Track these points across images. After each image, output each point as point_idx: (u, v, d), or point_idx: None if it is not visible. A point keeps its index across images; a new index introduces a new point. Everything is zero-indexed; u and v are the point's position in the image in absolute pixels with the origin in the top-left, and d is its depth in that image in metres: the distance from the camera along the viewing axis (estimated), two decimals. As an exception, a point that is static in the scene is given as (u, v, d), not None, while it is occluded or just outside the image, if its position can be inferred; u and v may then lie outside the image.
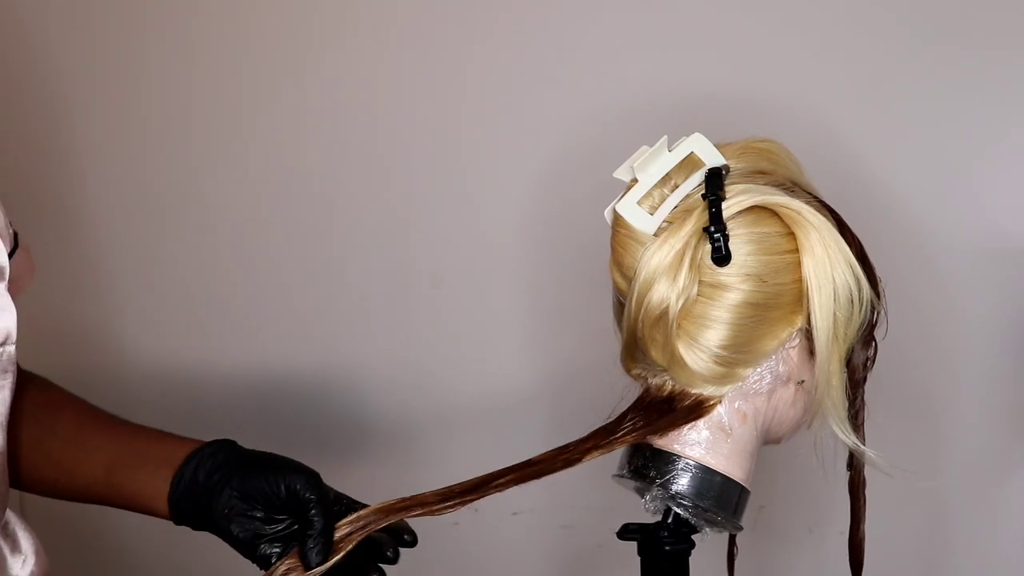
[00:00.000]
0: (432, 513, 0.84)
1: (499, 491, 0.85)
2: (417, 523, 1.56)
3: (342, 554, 0.83)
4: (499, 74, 1.43)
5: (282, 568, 0.82)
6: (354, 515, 0.84)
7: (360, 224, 1.48)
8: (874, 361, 0.88)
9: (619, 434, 0.85)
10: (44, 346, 1.57)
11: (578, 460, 0.85)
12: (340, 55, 1.46)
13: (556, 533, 1.50)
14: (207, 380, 1.53)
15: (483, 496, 0.85)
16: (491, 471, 0.86)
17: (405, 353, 1.50)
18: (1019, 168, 1.32)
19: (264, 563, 0.85)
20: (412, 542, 0.90)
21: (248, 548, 0.86)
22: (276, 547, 0.86)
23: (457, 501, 0.84)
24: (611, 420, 0.87)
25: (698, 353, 0.82)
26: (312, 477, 0.86)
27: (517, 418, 1.46)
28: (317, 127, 1.48)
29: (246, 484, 0.86)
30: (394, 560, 0.88)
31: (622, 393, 0.89)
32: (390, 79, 1.45)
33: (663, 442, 0.86)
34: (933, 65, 1.31)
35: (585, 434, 0.87)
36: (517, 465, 0.86)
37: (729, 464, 0.86)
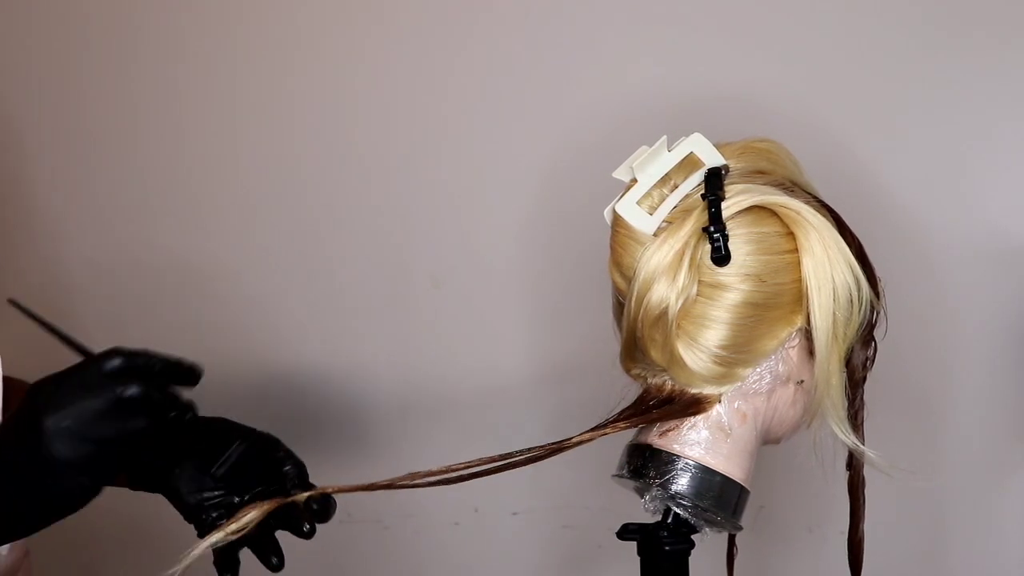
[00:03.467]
0: (415, 486, 0.84)
1: (483, 475, 0.85)
2: (417, 523, 1.56)
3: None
4: (499, 74, 1.43)
5: (220, 532, 0.81)
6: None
7: (360, 224, 1.48)
8: (873, 361, 0.88)
9: (611, 422, 0.86)
10: (37, 348, 1.58)
11: (568, 447, 0.85)
12: (339, 54, 1.46)
13: (556, 533, 1.50)
14: (206, 380, 1.53)
15: (470, 476, 0.85)
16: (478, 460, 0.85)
17: (405, 353, 1.50)
18: (1019, 168, 1.32)
19: (203, 526, 0.87)
20: (321, 512, 0.88)
21: (193, 511, 0.88)
22: (216, 513, 0.87)
23: (440, 479, 0.84)
24: (608, 419, 0.87)
25: (697, 353, 0.83)
26: (265, 440, 0.89)
27: (517, 418, 1.46)
28: (316, 126, 1.48)
29: (199, 449, 0.88)
30: (309, 535, 0.87)
31: (622, 393, 0.89)
32: (389, 79, 1.45)
33: (662, 442, 0.86)
34: (933, 65, 1.31)
35: (580, 433, 0.87)
36: (504, 456, 0.86)
37: (729, 464, 0.86)
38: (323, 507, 0.87)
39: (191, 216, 1.53)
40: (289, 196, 1.50)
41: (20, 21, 1.53)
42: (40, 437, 0.75)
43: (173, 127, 1.52)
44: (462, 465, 0.85)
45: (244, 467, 0.88)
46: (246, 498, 0.89)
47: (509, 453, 0.86)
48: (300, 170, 1.49)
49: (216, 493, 0.88)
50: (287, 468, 0.89)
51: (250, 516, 0.81)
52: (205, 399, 1.55)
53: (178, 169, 1.52)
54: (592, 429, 0.86)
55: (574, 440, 0.85)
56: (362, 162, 1.48)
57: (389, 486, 0.83)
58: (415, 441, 1.51)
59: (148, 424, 0.78)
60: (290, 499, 0.85)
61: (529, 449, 0.86)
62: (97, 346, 1.51)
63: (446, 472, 0.84)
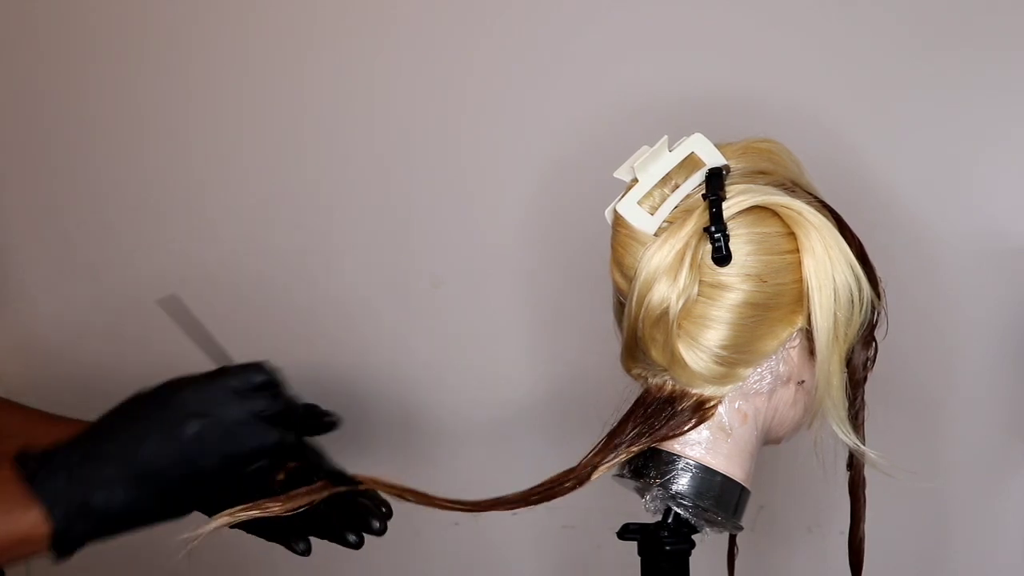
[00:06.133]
0: (431, 505, 0.85)
1: (505, 510, 0.86)
2: (417, 523, 1.56)
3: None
4: (499, 74, 1.43)
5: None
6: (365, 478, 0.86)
7: (360, 224, 1.48)
8: (874, 361, 0.88)
9: (623, 445, 0.86)
10: (40, 350, 1.57)
11: (587, 478, 0.86)
12: (339, 54, 1.46)
13: (556, 533, 1.50)
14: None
15: (490, 510, 0.86)
16: (502, 495, 0.86)
17: (405, 353, 1.50)
18: (1019, 168, 1.32)
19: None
20: (388, 513, 0.91)
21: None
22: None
23: (465, 508, 0.86)
24: (613, 427, 0.87)
25: (698, 353, 0.83)
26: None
27: (517, 418, 1.46)
28: (317, 127, 1.48)
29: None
30: (381, 531, 0.89)
31: (623, 393, 0.89)
32: (390, 78, 1.45)
33: (663, 442, 0.86)
34: (933, 65, 1.31)
35: (589, 450, 0.87)
36: (527, 491, 0.86)
37: (729, 464, 0.86)
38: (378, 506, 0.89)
39: (192, 216, 1.53)
40: (289, 197, 1.50)
41: (23, 23, 1.53)
42: (180, 443, 0.78)
43: (175, 127, 1.52)
44: (487, 502, 0.86)
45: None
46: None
47: (527, 491, 0.86)
48: (300, 171, 1.49)
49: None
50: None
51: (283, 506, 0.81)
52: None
53: (179, 169, 1.52)
54: (603, 456, 0.86)
55: (592, 477, 0.85)
56: (362, 163, 1.48)
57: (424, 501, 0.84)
58: (415, 441, 1.51)
59: (281, 439, 0.80)
60: (344, 488, 0.84)
61: (545, 483, 0.86)
62: (93, 341, 1.51)
63: (466, 507, 0.86)
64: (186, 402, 0.79)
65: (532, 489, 0.86)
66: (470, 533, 1.51)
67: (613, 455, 0.86)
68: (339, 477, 0.86)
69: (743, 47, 1.35)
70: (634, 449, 0.86)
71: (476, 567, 1.53)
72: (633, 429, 0.86)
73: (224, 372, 0.82)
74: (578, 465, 0.86)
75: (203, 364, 0.89)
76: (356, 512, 0.89)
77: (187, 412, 0.78)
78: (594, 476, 0.86)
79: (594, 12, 1.39)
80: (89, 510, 0.76)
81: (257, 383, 0.81)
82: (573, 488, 0.86)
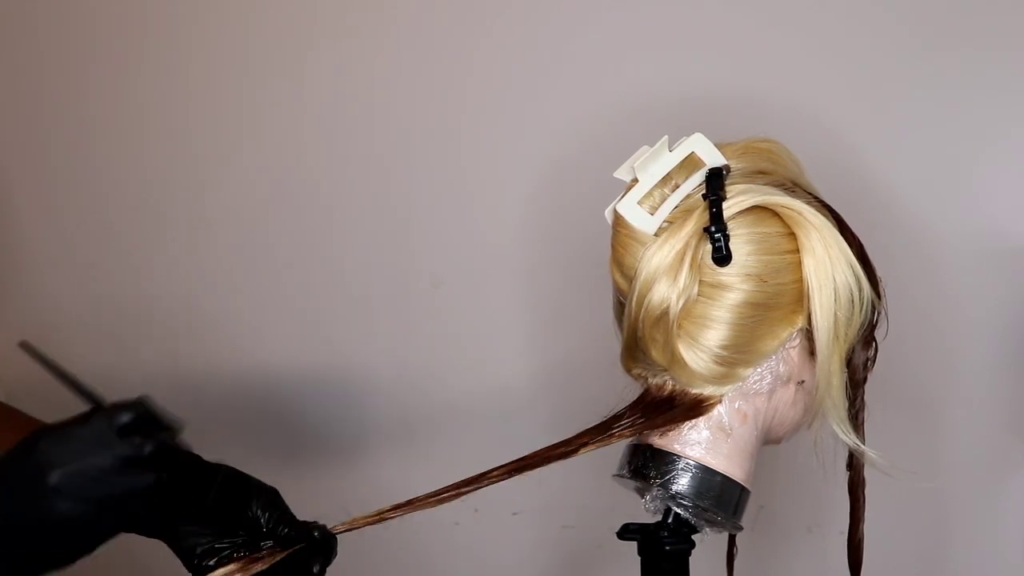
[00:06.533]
0: (425, 507, 0.84)
1: (492, 483, 0.85)
2: (417, 523, 1.56)
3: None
4: (499, 74, 1.43)
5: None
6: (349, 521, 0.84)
7: (360, 224, 1.49)
8: (874, 361, 0.88)
9: (617, 429, 0.86)
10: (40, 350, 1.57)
11: (574, 452, 0.85)
12: (340, 54, 1.46)
13: (556, 533, 1.50)
14: (207, 380, 1.53)
15: (476, 488, 0.85)
16: (486, 469, 0.85)
17: (405, 353, 1.50)
18: (1019, 168, 1.32)
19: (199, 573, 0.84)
20: (332, 551, 0.88)
21: (186, 556, 0.85)
22: (212, 560, 0.84)
23: (451, 494, 0.84)
24: (609, 416, 0.87)
25: (698, 353, 0.83)
26: (272, 494, 0.87)
27: (517, 418, 1.46)
28: (317, 127, 1.48)
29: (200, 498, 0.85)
30: (320, 574, 0.86)
31: (622, 393, 0.89)
32: (390, 78, 1.45)
33: (663, 442, 0.86)
34: (933, 65, 1.31)
35: (582, 430, 0.87)
36: (511, 462, 0.86)
37: (729, 464, 0.86)
38: (326, 546, 0.86)
39: (192, 216, 1.53)
40: (289, 197, 1.50)
41: (23, 23, 1.53)
42: (42, 494, 0.73)
43: (175, 127, 1.52)
44: (462, 482, 0.84)
45: (236, 512, 0.86)
46: (239, 542, 0.86)
47: (511, 463, 0.85)
48: (300, 172, 1.49)
49: (204, 540, 0.84)
50: (270, 526, 0.86)
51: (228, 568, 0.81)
52: (207, 401, 1.56)
53: (179, 169, 1.52)
54: (596, 435, 0.86)
55: (580, 452, 0.85)
56: (362, 163, 1.48)
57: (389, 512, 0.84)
58: (415, 440, 1.51)
59: (155, 480, 0.76)
60: (283, 553, 0.83)
61: (530, 457, 0.85)
62: (93, 341, 1.51)
63: (443, 493, 0.84)
64: (47, 452, 0.74)
65: (516, 461, 0.85)
66: (470, 533, 1.51)
67: (604, 436, 0.85)
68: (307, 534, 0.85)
69: (743, 47, 1.35)
70: (627, 433, 0.85)
71: (476, 567, 1.53)
72: (629, 418, 0.86)
73: (89, 416, 0.78)
74: (566, 442, 0.86)
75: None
76: (298, 556, 0.86)
77: (48, 462, 0.74)
78: (581, 451, 0.85)
79: (594, 12, 1.39)
80: None
81: (124, 423, 0.77)
82: (558, 459, 0.85)
